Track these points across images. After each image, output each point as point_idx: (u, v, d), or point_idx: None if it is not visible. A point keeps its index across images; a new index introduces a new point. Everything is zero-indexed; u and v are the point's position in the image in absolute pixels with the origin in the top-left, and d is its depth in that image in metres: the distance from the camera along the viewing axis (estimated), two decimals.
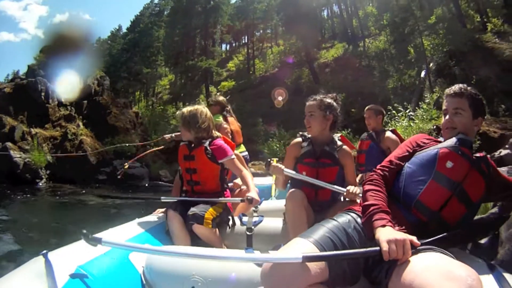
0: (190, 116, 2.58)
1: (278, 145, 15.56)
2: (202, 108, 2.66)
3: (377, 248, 1.27)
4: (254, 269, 1.61)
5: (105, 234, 2.04)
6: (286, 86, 23.04)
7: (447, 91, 1.76)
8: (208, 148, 2.56)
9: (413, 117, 11.30)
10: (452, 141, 1.63)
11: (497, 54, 14.72)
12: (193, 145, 2.61)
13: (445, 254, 1.28)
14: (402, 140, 3.77)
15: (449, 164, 1.56)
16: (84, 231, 1.41)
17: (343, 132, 12.71)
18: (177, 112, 2.70)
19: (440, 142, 1.71)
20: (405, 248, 1.25)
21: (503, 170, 2.81)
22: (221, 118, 4.21)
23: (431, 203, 1.52)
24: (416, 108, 12.01)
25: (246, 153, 4.44)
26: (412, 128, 10.59)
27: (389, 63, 19.47)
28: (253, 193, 2.43)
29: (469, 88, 1.72)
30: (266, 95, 24.20)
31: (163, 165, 16.15)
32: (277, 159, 2.76)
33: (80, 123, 15.88)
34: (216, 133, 2.73)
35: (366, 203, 1.52)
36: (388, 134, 3.89)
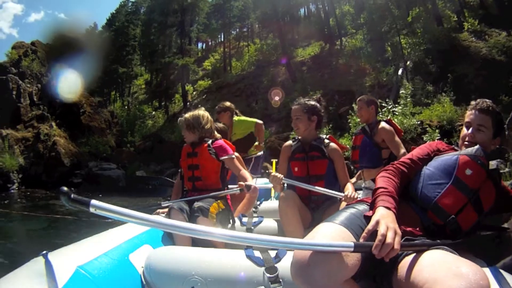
0: (194, 119, 2.82)
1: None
2: (202, 111, 2.92)
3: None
4: (255, 269, 1.65)
5: (105, 234, 2.02)
6: (263, 84, 23.14)
7: (473, 104, 1.78)
8: (211, 145, 2.77)
9: (396, 113, 11.48)
10: (472, 150, 1.66)
11: (474, 52, 15.20)
12: (196, 143, 2.82)
13: (452, 253, 1.27)
14: (397, 130, 3.59)
15: (468, 172, 1.58)
16: (65, 188, 1.09)
17: (326, 128, 12.76)
18: (179, 119, 2.93)
19: (457, 151, 1.74)
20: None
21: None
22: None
23: (448, 207, 1.52)
24: (397, 105, 12.22)
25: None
26: None
27: (366, 61, 19.76)
28: (250, 182, 2.66)
29: (494, 106, 1.76)
30: (243, 94, 24.28)
31: (140, 166, 15.92)
32: (276, 160, 2.91)
33: (53, 123, 15.30)
34: (217, 135, 2.99)
35: (376, 187, 1.52)
36: (382, 124, 3.53)
